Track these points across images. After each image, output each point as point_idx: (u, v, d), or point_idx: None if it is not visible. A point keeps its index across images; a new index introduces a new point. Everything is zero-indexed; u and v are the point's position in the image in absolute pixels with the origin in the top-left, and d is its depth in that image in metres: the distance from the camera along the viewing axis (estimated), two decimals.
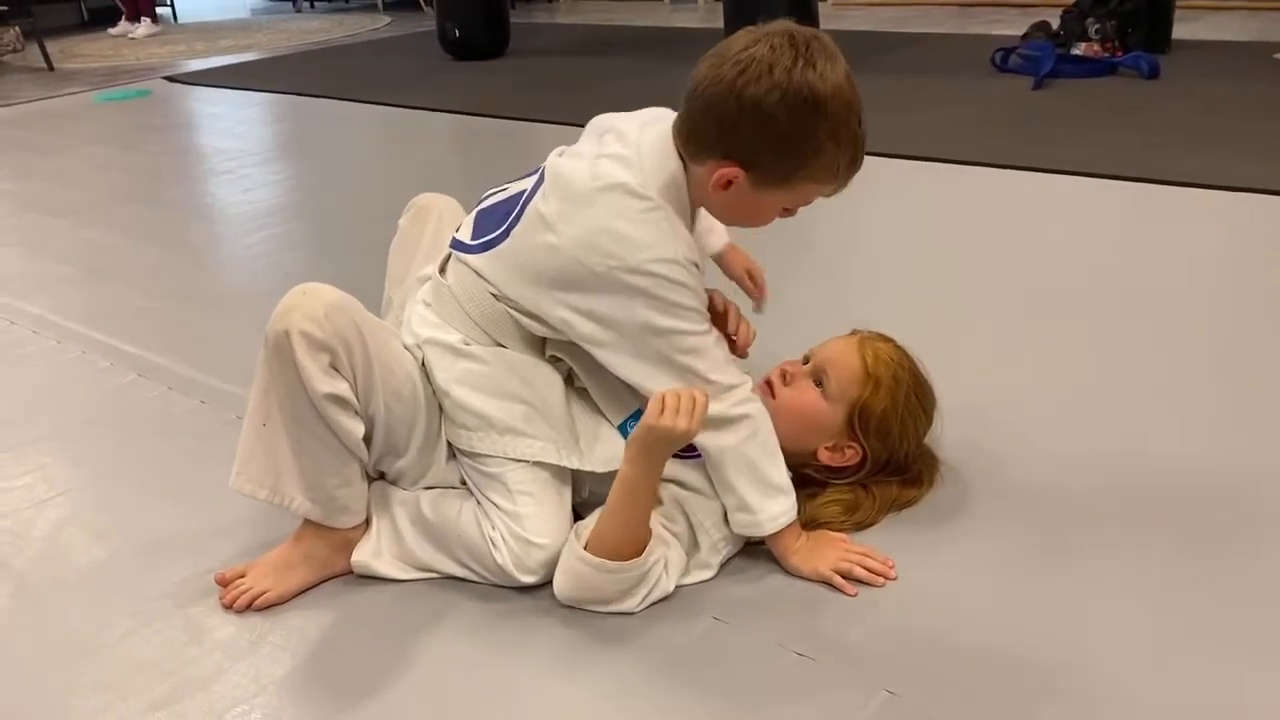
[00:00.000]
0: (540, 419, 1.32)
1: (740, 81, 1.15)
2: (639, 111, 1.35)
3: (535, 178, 1.34)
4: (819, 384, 1.39)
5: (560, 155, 1.33)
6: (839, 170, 1.22)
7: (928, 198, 2.74)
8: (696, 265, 1.25)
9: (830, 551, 1.31)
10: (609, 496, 1.26)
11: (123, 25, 7.01)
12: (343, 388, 1.26)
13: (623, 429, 1.35)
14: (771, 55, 1.14)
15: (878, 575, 1.29)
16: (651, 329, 1.24)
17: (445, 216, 1.59)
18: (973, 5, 6.03)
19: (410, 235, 1.60)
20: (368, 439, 1.31)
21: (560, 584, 1.27)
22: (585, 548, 1.25)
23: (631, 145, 1.27)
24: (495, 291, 1.32)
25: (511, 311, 1.32)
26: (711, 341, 1.28)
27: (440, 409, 1.35)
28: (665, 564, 1.29)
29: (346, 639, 1.27)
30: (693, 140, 1.23)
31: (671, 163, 1.25)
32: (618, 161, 1.25)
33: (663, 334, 1.24)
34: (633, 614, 1.26)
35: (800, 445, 1.38)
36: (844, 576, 1.28)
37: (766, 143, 1.17)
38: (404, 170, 3.44)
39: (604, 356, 1.28)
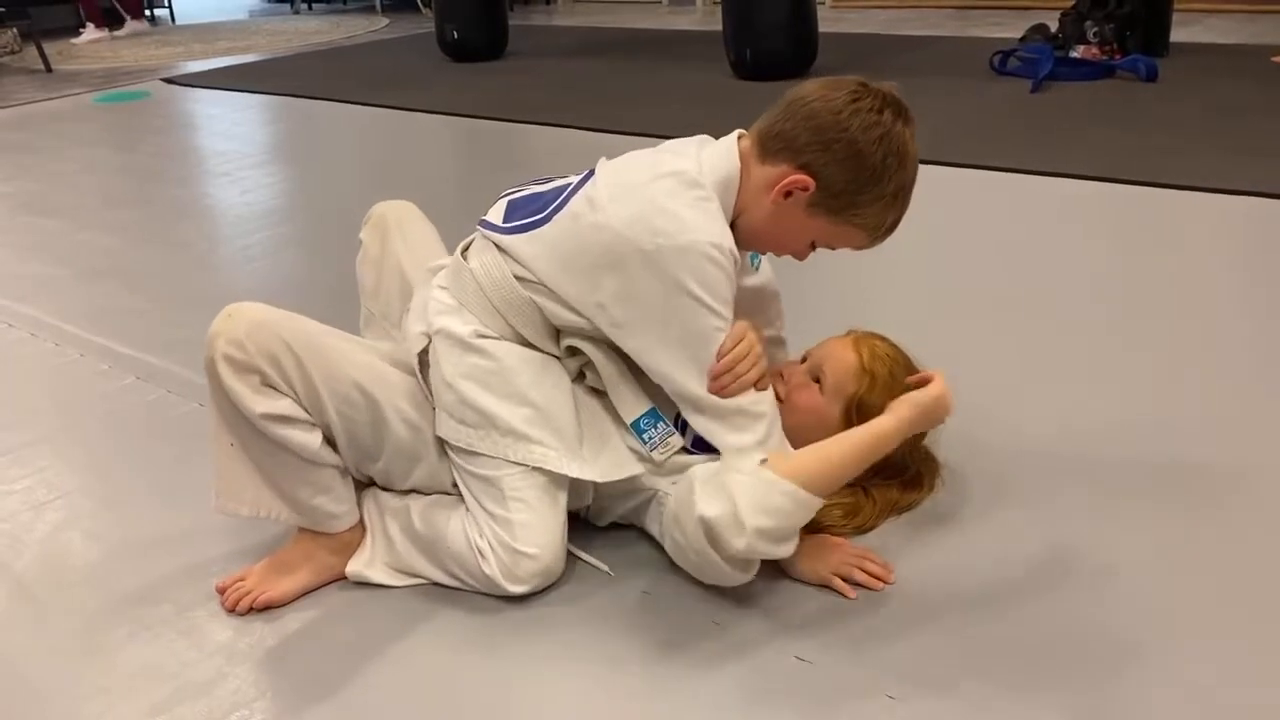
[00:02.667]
0: (544, 423, 1.31)
1: (852, 108, 1.23)
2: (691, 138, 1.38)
3: (580, 177, 1.35)
4: (817, 382, 1.39)
5: (614, 160, 1.36)
6: (883, 225, 1.29)
7: (926, 200, 2.73)
8: (734, 256, 1.24)
9: (831, 555, 1.31)
10: (842, 440, 1.27)
11: (130, 25, 7.03)
12: (281, 404, 1.25)
13: (636, 425, 1.33)
14: (882, 104, 1.24)
15: (877, 579, 1.29)
16: (686, 311, 1.22)
17: (405, 220, 1.59)
18: (971, 8, 6.03)
19: (373, 246, 1.58)
20: (335, 446, 1.31)
21: (754, 518, 1.18)
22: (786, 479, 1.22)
23: (692, 146, 1.31)
24: (522, 275, 1.31)
25: (535, 298, 1.31)
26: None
27: (433, 406, 1.34)
28: None
29: (346, 644, 1.27)
30: (780, 139, 1.26)
31: (729, 164, 1.28)
32: (678, 155, 1.29)
33: (696, 316, 1.22)
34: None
35: (801, 443, 1.38)
36: (844, 580, 1.28)
37: (848, 169, 1.23)
38: (402, 172, 3.44)
39: (628, 340, 1.27)
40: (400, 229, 1.57)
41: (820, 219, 1.27)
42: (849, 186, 1.24)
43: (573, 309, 1.29)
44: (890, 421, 1.28)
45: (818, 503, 1.23)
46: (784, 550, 1.24)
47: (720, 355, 1.23)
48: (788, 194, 1.25)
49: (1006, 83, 4.01)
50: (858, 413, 1.36)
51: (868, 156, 1.22)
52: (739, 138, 1.31)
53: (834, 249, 1.34)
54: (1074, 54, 4.08)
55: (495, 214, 1.38)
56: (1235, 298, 2.08)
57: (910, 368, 1.41)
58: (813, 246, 1.33)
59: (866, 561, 1.30)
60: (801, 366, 1.43)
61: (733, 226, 1.28)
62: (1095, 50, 4.07)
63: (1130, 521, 1.39)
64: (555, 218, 1.30)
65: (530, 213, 1.34)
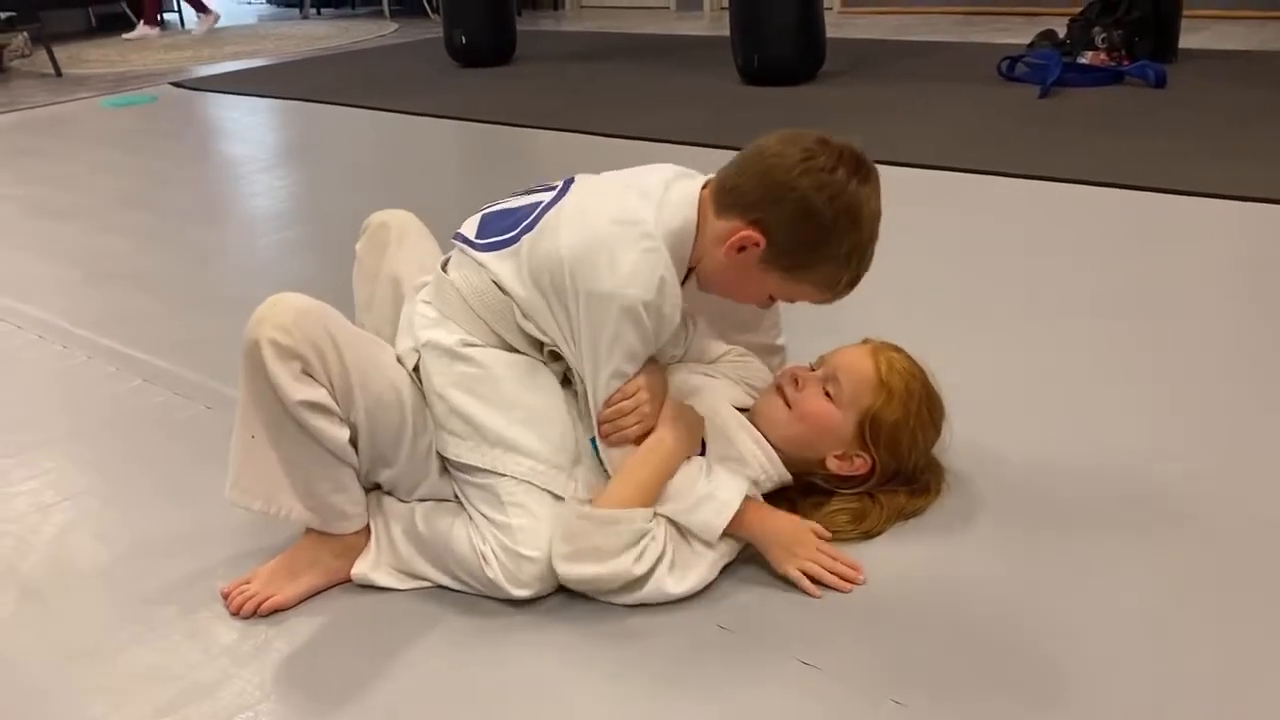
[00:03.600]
0: (534, 429, 1.32)
1: (803, 166, 1.23)
2: (667, 167, 1.39)
3: (554, 193, 1.36)
4: (830, 390, 1.38)
5: (589, 179, 1.38)
6: (839, 283, 1.29)
7: (933, 206, 2.74)
8: (661, 313, 1.27)
9: (800, 546, 1.31)
10: (629, 459, 1.30)
11: (140, 29, 7.17)
12: (319, 394, 1.25)
13: (594, 441, 1.35)
14: (838, 162, 1.23)
15: (846, 580, 1.28)
16: (600, 354, 1.27)
17: (405, 231, 1.57)
18: (978, 14, 6.03)
19: (369, 258, 1.56)
20: (355, 446, 1.31)
21: (557, 547, 1.26)
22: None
23: (659, 186, 1.31)
24: (499, 283, 1.34)
25: (513, 303, 1.33)
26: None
27: (432, 418, 1.35)
28: (665, 543, 1.28)
29: (351, 647, 1.27)
30: (733, 194, 1.27)
31: (686, 214, 1.29)
32: (642, 197, 1.30)
33: (603, 361, 1.28)
34: (639, 585, 1.26)
35: (809, 452, 1.38)
36: (813, 579, 1.28)
37: (797, 228, 1.24)
38: (409, 176, 3.45)
39: (574, 364, 1.33)
40: (399, 241, 1.55)
41: (773, 275, 1.29)
42: (799, 246, 1.25)
43: (539, 327, 1.33)
44: (667, 434, 1.31)
45: (619, 513, 1.26)
46: (614, 566, 1.24)
47: (609, 404, 1.29)
48: (740, 249, 1.26)
49: (1014, 88, 4.01)
50: (870, 427, 1.35)
51: (818, 215, 1.22)
52: (704, 185, 1.32)
53: (792, 302, 1.35)
54: (1082, 60, 4.08)
55: (469, 228, 1.41)
56: (1245, 304, 2.07)
57: (927, 383, 1.39)
58: (771, 299, 1.35)
59: (835, 562, 1.29)
60: (814, 374, 1.41)
61: (693, 271, 1.32)
62: (1103, 56, 4.06)
63: (1140, 531, 1.38)
64: (523, 238, 1.33)
65: (502, 229, 1.36)
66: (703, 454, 1.36)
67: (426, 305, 1.40)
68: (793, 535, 1.32)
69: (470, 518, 1.32)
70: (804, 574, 1.28)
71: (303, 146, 4.12)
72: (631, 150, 3.43)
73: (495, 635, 1.26)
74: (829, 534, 1.33)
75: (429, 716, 1.16)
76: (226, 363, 1.97)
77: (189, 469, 1.66)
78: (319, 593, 1.35)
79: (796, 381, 1.40)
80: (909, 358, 1.40)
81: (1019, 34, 4.84)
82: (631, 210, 1.29)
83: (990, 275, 2.28)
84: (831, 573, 1.29)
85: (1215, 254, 2.36)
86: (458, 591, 1.33)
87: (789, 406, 1.39)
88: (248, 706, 1.17)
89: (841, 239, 1.24)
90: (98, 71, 5.91)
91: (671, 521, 1.30)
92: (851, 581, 1.29)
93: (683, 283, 1.32)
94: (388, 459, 1.34)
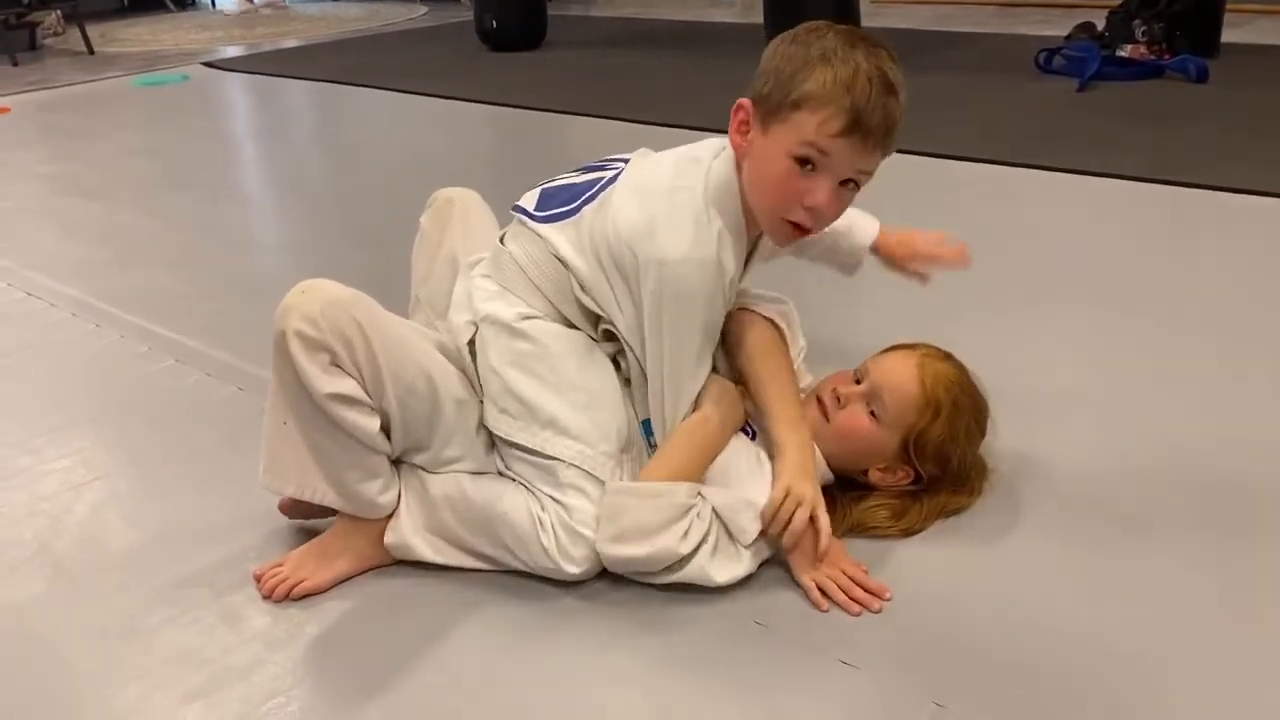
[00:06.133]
0: (589, 413, 1.30)
1: (779, 36, 1.26)
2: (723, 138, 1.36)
3: (612, 172, 1.36)
4: (875, 409, 1.34)
5: (648, 155, 1.39)
6: (830, 92, 1.17)
7: (969, 199, 2.70)
8: (724, 268, 1.27)
9: (825, 561, 1.26)
10: (673, 436, 1.31)
11: None
12: (348, 385, 1.24)
13: (646, 425, 1.33)
14: (816, 25, 1.24)
15: (859, 603, 1.23)
16: (671, 323, 1.26)
17: (469, 209, 1.58)
18: (1016, 5, 5.95)
19: (432, 232, 1.57)
20: (388, 433, 1.30)
21: (602, 529, 1.24)
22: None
23: (708, 157, 1.33)
24: (558, 254, 1.33)
25: (572, 276, 1.33)
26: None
27: (480, 397, 1.34)
28: (711, 523, 1.26)
29: (384, 632, 1.26)
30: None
31: (727, 169, 1.30)
32: (695, 164, 1.31)
33: (682, 333, 1.27)
34: (683, 564, 1.25)
35: (850, 465, 1.37)
36: (825, 592, 1.24)
37: (770, 68, 1.23)
38: (439, 160, 3.43)
39: (631, 341, 1.32)
40: (464, 218, 1.56)
41: (776, 127, 1.21)
42: (777, 78, 1.21)
43: (597, 303, 1.31)
44: (713, 410, 1.32)
45: (660, 486, 1.25)
46: (659, 544, 1.23)
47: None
48: (743, 132, 1.26)
49: (1052, 81, 3.95)
50: (915, 445, 1.33)
51: (783, 47, 1.23)
52: None
53: (825, 155, 1.19)
54: (1121, 53, 4.01)
55: (529, 201, 1.40)
56: None
57: (972, 390, 1.36)
58: (802, 164, 1.20)
59: (854, 585, 1.24)
60: (858, 389, 1.37)
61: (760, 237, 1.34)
62: (1143, 49, 4.00)
63: (1183, 528, 1.36)
64: (583, 211, 1.32)
65: (562, 202, 1.36)
66: (753, 437, 1.35)
67: (485, 279, 1.38)
68: (822, 546, 1.27)
69: (527, 487, 1.31)
70: (818, 586, 1.24)
71: (332, 128, 4.12)
72: (665, 137, 3.38)
73: (530, 621, 1.25)
74: (847, 554, 1.29)
75: (463, 702, 1.14)
76: (259, 344, 1.96)
77: (221, 451, 1.65)
78: (351, 577, 1.34)
79: (839, 398, 1.37)
80: (953, 365, 1.37)
81: (1057, 26, 4.77)
82: (684, 175, 1.30)
83: (1026, 270, 2.24)
84: (850, 596, 1.23)
85: (1260, 252, 2.31)
86: (495, 575, 1.31)
87: (828, 421, 1.37)
88: (280, 691, 1.17)
89: (806, 49, 1.20)
90: (129, 50, 5.93)
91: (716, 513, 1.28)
92: (867, 608, 1.23)
93: (749, 254, 1.34)
94: (422, 445, 1.33)
